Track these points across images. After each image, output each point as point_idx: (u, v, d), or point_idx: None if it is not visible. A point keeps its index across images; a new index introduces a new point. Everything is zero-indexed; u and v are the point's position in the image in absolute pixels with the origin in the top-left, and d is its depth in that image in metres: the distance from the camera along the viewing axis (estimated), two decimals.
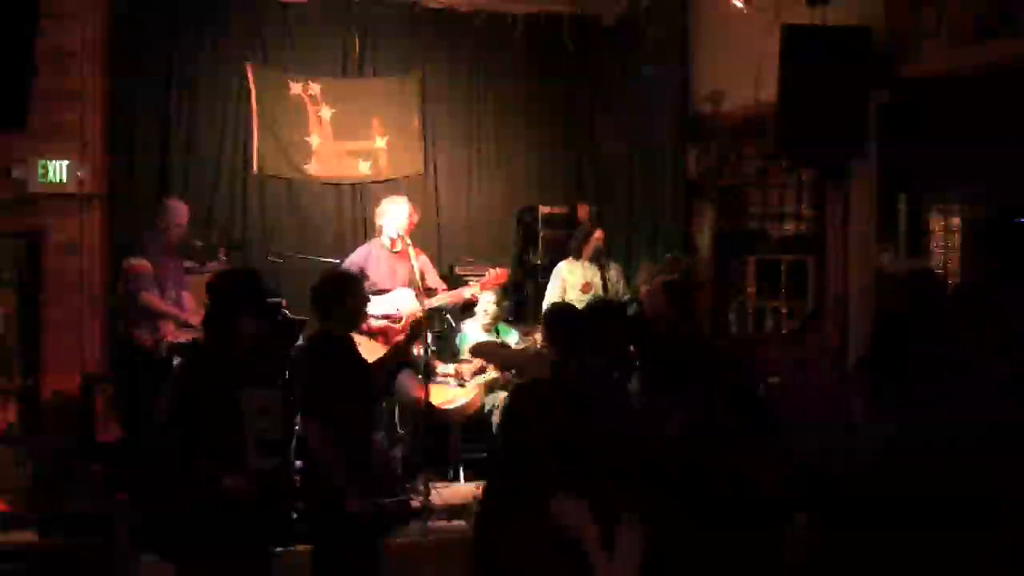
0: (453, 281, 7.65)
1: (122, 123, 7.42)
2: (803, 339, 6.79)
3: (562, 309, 5.51)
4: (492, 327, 7.41)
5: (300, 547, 5.23)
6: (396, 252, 7.04)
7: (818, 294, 6.76)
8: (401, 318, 6.83)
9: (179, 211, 6.77)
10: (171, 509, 4.02)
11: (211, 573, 4.03)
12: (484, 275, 7.32)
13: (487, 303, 7.35)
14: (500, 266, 7.50)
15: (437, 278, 7.31)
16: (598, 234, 7.54)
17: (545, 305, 7.48)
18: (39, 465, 6.30)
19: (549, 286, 7.59)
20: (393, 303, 6.99)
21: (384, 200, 7.26)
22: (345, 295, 4.63)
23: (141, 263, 6.52)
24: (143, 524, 5.31)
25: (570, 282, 7.44)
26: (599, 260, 7.45)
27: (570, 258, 7.58)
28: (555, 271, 7.60)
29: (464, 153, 8.56)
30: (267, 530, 4.24)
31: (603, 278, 7.39)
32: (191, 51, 7.72)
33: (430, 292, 6.98)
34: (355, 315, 4.74)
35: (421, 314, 6.70)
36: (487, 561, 2.85)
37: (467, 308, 7.46)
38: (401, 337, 6.39)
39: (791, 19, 6.15)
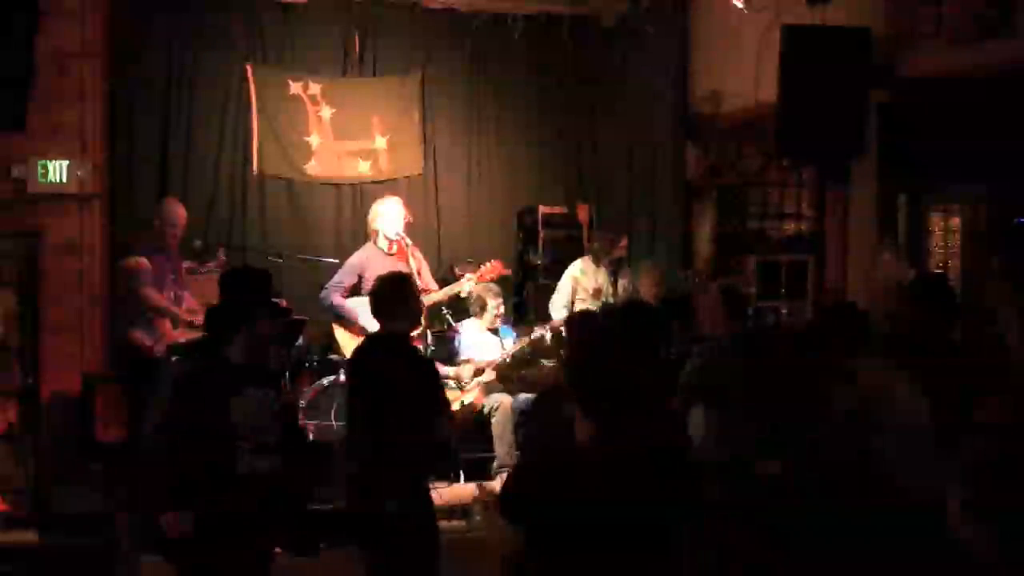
0: (454, 281, 7.62)
1: (122, 123, 7.42)
2: None
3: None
4: (495, 329, 7.37)
5: None
6: (392, 254, 6.98)
7: (818, 294, 6.76)
8: None
9: (175, 212, 6.76)
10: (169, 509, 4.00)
11: (211, 573, 4.02)
12: (480, 269, 7.22)
13: (492, 304, 7.28)
14: None
15: (431, 278, 7.25)
16: (624, 242, 7.48)
17: (554, 303, 7.41)
18: (39, 465, 6.30)
19: (560, 284, 7.45)
20: None
21: (376, 203, 7.12)
22: (408, 296, 4.64)
23: (139, 260, 6.51)
24: (143, 524, 5.30)
25: (582, 284, 7.36)
26: (618, 268, 7.41)
27: (588, 258, 7.45)
28: (569, 270, 7.45)
29: (464, 153, 8.55)
30: (268, 531, 4.22)
31: (615, 284, 7.35)
32: (191, 51, 7.72)
33: (423, 292, 6.94)
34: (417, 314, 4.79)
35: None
36: None
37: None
38: None
39: (791, 19, 6.16)
